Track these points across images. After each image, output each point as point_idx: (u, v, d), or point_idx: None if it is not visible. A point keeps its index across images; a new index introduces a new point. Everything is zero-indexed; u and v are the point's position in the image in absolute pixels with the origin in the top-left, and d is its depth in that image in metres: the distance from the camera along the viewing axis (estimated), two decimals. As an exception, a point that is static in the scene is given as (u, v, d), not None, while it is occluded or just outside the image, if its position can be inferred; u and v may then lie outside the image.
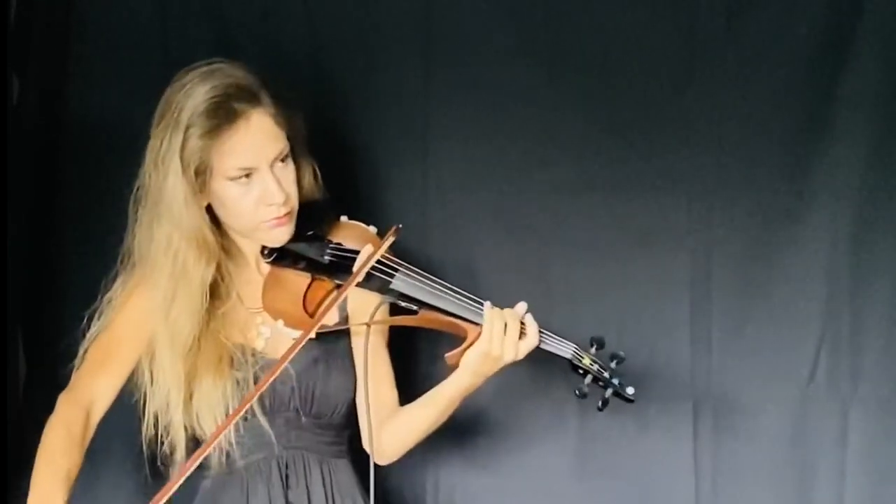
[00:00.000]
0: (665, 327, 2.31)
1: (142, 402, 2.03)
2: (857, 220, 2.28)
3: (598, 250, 2.35)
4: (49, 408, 2.39)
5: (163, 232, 1.96)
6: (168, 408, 1.99)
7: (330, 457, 2.07)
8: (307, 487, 2.04)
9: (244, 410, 1.91)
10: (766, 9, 2.29)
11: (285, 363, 1.89)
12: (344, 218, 2.11)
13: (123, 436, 2.37)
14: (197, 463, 1.84)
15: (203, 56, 2.37)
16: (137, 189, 1.99)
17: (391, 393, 2.04)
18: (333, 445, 2.07)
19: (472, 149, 2.37)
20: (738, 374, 2.31)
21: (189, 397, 1.98)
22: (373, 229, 2.09)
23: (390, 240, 1.98)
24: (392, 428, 2.01)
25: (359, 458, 2.09)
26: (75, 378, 2.04)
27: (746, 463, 2.31)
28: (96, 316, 2.04)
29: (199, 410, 1.98)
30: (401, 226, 1.99)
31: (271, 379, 1.88)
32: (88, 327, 2.05)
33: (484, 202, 2.37)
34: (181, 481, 1.82)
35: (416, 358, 2.30)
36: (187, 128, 1.91)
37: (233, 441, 1.98)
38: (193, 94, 1.92)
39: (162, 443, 2.02)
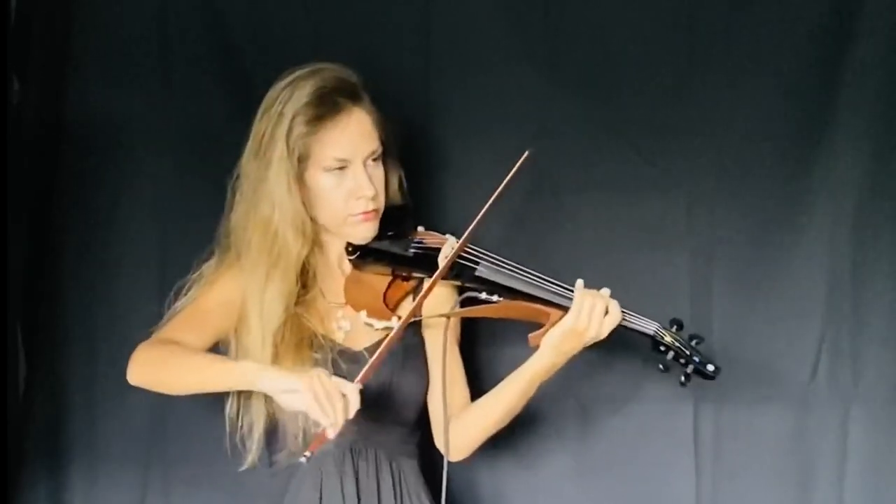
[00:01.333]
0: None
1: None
2: (858, 220, 2.28)
3: (598, 250, 2.35)
4: (49, 407, 2.41)
5: (262, 217, 2.03)
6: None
7: (399, 455, 2.11)
8: (378, 483, 2.08)
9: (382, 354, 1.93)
10: (767, 9, 2.30)
11: (409, 321, 1.95)
12: (421, 228, 2.17)
13: (124, 434, 2.39)
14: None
15: (203, 56, 2.39)
16: (236, 178, 2.06)
17: (463, 391, 2.12)
18: (403, 444, 2.12)
19: (472, 149, 2.37)
20: (739, 374, 2.31)
21: None
22: (450, 237, 2.14)
23: (522, 161, 2.04)
24: (464, 422, 2.07)
25: (428, 458, 2.14)
26: (158, 333, 2.05)
27: (747, 463, 2.31)
28: (184, 290, 2.09)
29: None
30: (532, 150, 2.06)
31: (381, 358, 1.91)
32: (175, 299, 2.09)
33: (484, 202, 2.36)
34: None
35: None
36: (293, 116, 2.00)
37: (311, 423, 2.00)
38: (299, 87, 2.02)
39: (242, 423, 2.06)
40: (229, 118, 2.39)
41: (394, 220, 2.12)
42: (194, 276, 2.10)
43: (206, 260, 2.11)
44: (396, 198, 2.15)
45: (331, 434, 1.80)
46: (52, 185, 2.41)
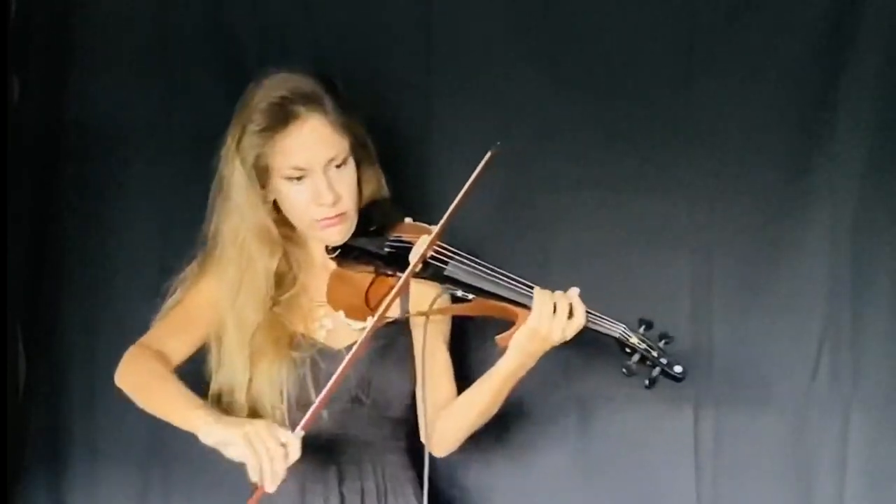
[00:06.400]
0: (665, 326, 2.30)
1: (207, 380, 2.07)
2: (858, 219, 2.28)
3: (598, 250, 2.35)
4: (49, 407, 2.41)
5: (231, 223, 2.05)
6: (233, 389, 2.05)
7: (385, 451, 2.11)
8: (360, 480, 2.08)
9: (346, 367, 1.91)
10: (766, 9, 2.30)
11: (363, 349, 1.92)
12: (408, 219, 2.15)
13: (124, 434, 2.39)
14: (328, 397, 1.87)
15: (203, 56, 2.39)
16: (215, 179, 2.07)
17: (449, 386, 2.09)
18: (390, 440, 2.11)
19: (473, 149, 2.36)
20: (739, 374, 2.31)
21: (251, 376, 2.04)
22: (435, 229, 2.12)
23: (488, 156, 2.02)
24: (445, 420, 2.05)
25: (418, 454, 2.11)
26: (146, 337, 2.08)
27: (747, 462, 2.31)
28: (170, 291, 2.10)
29: (257, 388, 2.03)
30: (499, 143, 2.03)
31: (349, 366, 1.89)
32: (163, 301, 2.09)
33: (484, 202, 2.36)
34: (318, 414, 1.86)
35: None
36: (245, 124, 2.01)
37: (287, 425, 1.99)
38: (259, 92, 2.02)
39: None
40: (229, 118, 2.39)
41: (376, 216, 2.11)
42: (180, 277, 2.11)
43: (189, 262, 2.12)
44: (377, 194, 2.13)
45: (269, 488, 1.79)
46: (52, 184, 2.42)
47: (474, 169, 2.35)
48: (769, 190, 2.31)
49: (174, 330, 2.08)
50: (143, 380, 2.00)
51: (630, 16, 2.34)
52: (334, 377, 1.88)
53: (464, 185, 2.01)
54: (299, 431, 1.82)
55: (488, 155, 2.02)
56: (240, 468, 2.07)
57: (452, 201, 1.98)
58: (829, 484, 2.30)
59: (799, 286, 2.30)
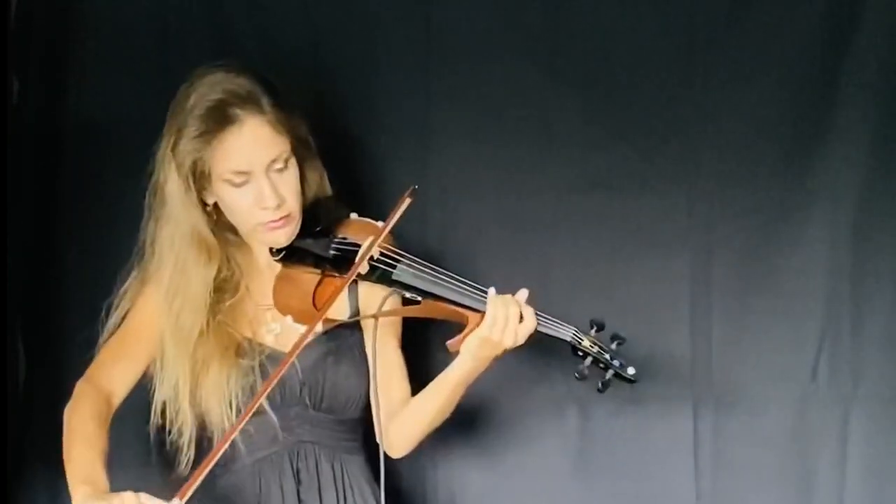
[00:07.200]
0: (665, 326, 2.31)
1: (151, 390, 2.04)
2: (858, 219, 2.28)
3: (598, 250, 2.35)
4: (49, 407, 2.40)
5: (167, 230, 2.00)
6: (177, 397, 2.01)
7: (342, 452, 2.08)
8: (318, 483, 2.05)
9: (255, 406, 1.89)
10: (766, 8, 2.30)
11: (293, 358, 1.90)
12: (354, 215, 2.11)
13: (123, 435, 2.38)
14: (212, 462, 1.84)
15: (203, 56, 2.38)
16: (150, 185, 2.02)
17: (402, 386, 2.06)
18: (347, 441, 2.09)
19: (473, 148, 2.38)
20: (739, 374, 2.31)
21: (196, 386, 2.00)
22: (381, 224, 2.10)
23: (406, 202, 1.99)
24: (400, 422, 2.02)
25: (375, 454, 2.08)
26: (93, 367, 2.05)
27: (747, 462, 2.31)
28: (113, 307, 2.07)
29: (205, 398, 2.00)
30: (416, 187, 2.00)
31: (280, 373, 1.89)
32: (107, 318, 2.06)
33: (484, 201, 2.37)
34: (199, 481, 1.82)
35: (427, 350, 2.29)
36: (181, 128, 1.94)
37: (238, 436, 1.97)
38: (193, 95, 1.95)
39: (170, 431, 2.04)
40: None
41: (320, 215, 2.07)
42: (120, 292, 2.07)
43: (129, 272, 2.08)
44: (320, 192, 2.09)
45: None
46: (52, 185, 2.41)
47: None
48: (769, 189, 2.31)
49: (119, 355, 2.04)
50: (71, 434, 1.96)
51: (630, 15, 2.34)
52: (266, 385, 1.87)
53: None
54: (176, 501, 1.78)
55: (406, 202, 1.99)
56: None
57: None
58: (829, 484, 2.30)
59: (799, 286, 2.30)
